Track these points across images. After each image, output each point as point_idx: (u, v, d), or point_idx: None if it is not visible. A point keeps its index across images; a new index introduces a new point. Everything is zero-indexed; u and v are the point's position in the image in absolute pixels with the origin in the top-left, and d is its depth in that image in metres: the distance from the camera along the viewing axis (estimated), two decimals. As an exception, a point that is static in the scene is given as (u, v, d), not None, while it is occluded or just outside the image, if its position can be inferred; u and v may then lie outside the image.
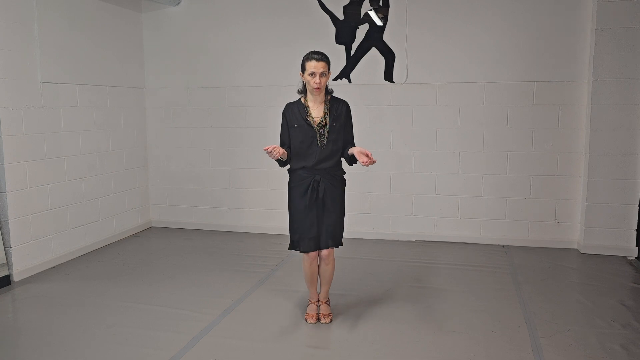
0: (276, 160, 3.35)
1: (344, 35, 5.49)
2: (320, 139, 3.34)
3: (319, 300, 3.62)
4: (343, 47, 5.51)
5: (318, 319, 3.55)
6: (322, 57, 3.28)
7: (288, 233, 3.60)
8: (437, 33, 5.28)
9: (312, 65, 3.24)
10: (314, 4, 5.51)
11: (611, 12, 4.78)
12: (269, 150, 3.17)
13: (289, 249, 3.52)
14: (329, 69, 3.31)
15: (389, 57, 5.42)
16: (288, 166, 3.47)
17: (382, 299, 3.92)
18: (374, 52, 5.46)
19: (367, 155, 3.18)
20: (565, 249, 5.18)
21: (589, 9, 4.94)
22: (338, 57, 5.46)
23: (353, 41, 5.49)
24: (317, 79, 3.24)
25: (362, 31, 5.47)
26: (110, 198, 5.54)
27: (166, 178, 6.17)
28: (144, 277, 4.44)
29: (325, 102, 3.39)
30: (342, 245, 3.51)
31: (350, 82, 5.52)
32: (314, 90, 3.28)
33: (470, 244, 5.39)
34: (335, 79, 5.48)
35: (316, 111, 3.37)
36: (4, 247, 4.30)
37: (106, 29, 5.41)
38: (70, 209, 4.98)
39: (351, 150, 3.37)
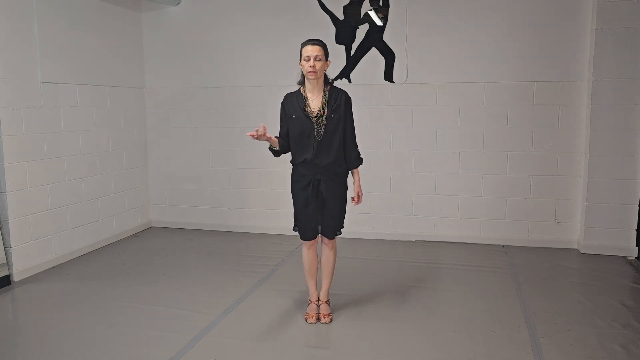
0: (270, 150, 3.46)
1: (344, 35, 5.49)
2: (317, 130, 3.33)
3: (319, 300, 3.62)
4: (343, 47, 5.51)
5: (318, 319, 3.55)
6: (317, 42, 3.31)
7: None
8: (437, 33, 5.28)
9: (307, 50, 3.27)
10: (314, 4, 5.51)
11: (611, 12, 4.77)
12: (254, 135, 3.20)
13: (293, 229, 3.59)
14: (325, 55, 3.31)
15: (389, 57, 5.42)
16: (281, 155, 3.53)
17: (382, 299, 3.92)
18: (374, 52, 5.46)
19: (358, 196, 3.46)
20: (565, 249, 5.18)
21: (589, 9, 4.94)
22: (338, 57, 5.46)
23: (353, 41, 5.49)
24: (311, 62, 3.24)
25: (362, 31, 5.47)
26: (110, 198, 5.54)
27: (166, 178, 6.17)
28: (144, 277, 4.44)
29: (324, 92, 3.38)
30: (343, 227, 3.57)
31: (350, 82, 5.52)
32: (309, 74, 3.27)
33: (470, 244, 5.39)
34: (335, 79, 5.47)
35: (314, 101, 3.36)
36: (4, 247, 4.30)
37: (106, 29, 5.41)
38: (70, 209, 4.98)
39: (354, 178, 3.53)
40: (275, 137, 3.45)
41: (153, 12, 5.95)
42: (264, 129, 3.21)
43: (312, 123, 3.33)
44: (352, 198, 3.50)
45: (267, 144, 3.49)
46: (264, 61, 5.71)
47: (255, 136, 3.20)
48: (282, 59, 5.61)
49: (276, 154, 3.51)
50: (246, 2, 5.68)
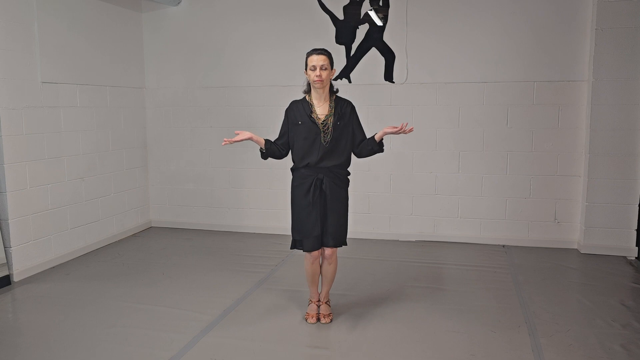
0: (260, 151, 3.48)
1: (344, 35, 5.49)
2: (324, 137, 3.35)
3: (319, 300, 3.62)
4: (343, 47, 5.51)
5: (318, 319, 3.55)
6: (322, 51, 3.33)
7: (288, 233, 3.64)
8: (437, 33, 5.28)
9: (313, 59, 3.29)
10: (314, 4, 5.51)
11: (611, 12, 4.78)
12: (231, 140, 3.34)
13: (290, 248, 3.53)
14: (331, 63, 3.34)
15: (389, 57, 5.42)
16: (269, 159, 3.55)
17: (382, 299, 3.92)
18: (374, 52, 5.46)
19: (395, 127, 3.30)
20: (565, 249, 5.18)
21: (589, 9, 4.94)
22: (338, 57, 5.45)
23: (353, 41, 5.49)
24: (317, 72, 3.27)
25: (362, 31, 5.47)
26: (110, 198, 5.54)
27: (166, 178, 6.17)
28: (144, 277, 4.44)
29: (330, 100, 3.41)
30: (345, 245, 3.53)
31: (350, 82, 5.52)
32: (315, 83, 3.30)
33: (471, 244, 5.39)
34: (335, 79, 5.48)
35: (320, 109, 3.39)
36: (4, 247, 4.30)
37: (106, 29, 5.41)
38: (70, 209, 4.98)
39: (378, 135, 3.40)
40: (266, 139, 3.45)
41: (153, 12, 5.95)
42: (238, 134, 3.38)
43: (318, 129, 3.35)
44: (399, 132, 3.30)
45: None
46: (264, 61, 5.71)
47: (231, 142, 3.34)
48: (282, 59, 5.61)
49: (263, 156, 3.50)
50: (246, 2, 5.68)
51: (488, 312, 3.68)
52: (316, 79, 3.28)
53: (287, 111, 3.47)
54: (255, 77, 5.76)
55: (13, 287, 4.25)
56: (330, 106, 3.39)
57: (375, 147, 3.45)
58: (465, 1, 5.19)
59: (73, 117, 4.98)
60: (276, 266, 4.72)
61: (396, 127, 3.31)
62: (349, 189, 3.55)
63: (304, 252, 3.49)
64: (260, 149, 3.47)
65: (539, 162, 5.21)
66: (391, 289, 4.13)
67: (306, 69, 3.35)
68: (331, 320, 3.55)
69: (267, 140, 3.45)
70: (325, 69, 3.30)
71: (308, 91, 3.45)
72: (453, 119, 5.35)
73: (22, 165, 4.41)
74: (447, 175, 5.43)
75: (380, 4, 5.38)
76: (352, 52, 5.51)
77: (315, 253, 3.45)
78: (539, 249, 5.19)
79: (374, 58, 5.46)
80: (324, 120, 3.35)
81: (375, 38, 5.44)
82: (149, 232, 6.02)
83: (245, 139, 3.38)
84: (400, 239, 5.56)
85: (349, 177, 3.51)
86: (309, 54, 3.34)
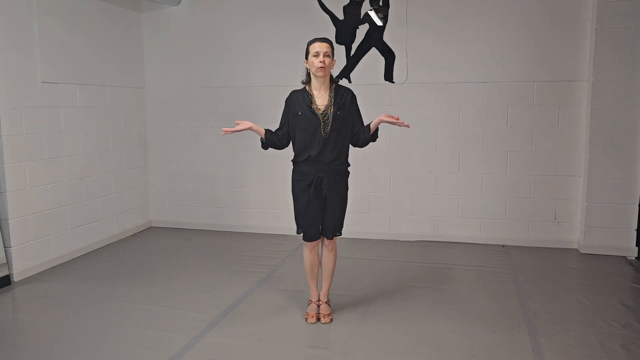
0: (260, 141, 3.49)
1: (344, 35, 5.49)
2: (324, 127, 3.34)
3: (319, 300, 3.62)
4: (343, 47, 5.51)
5: (318, 319, 3.55)
6: (325, 39, 3.35)
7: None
8: (437, 33, 5.28)
9: (316, 46, 3.30)
10: (314, 4, 5.51)
11: (611, 12, 4.77)
12: (231, 130, 3.33)
13: (296, 232, 3.56)
14: (332, 52, 3.34)
15: (389, 57, 5.42)
16: (269, 149, 3.56)
17: (382, 299, 3.92)
18: (374, 52, 5.46)
19: (392, 117, 3.27)
20: (565, 249, 5.18)
21: (589, 9, 4.94)
22: (338, 57, 5.45)
23: (353, 41, 5.49)
24: (321, 57, 3.27)
25: (362, 31, 5.47)
26: (110, 198, 5.54)
27: (166, 178, 6.17)
28: (144, 277, 4.44)
29: (330, 90, 3.41)
30: (342, 228, 3.55)
31: (350, 82, 5.52)
32: (318, 70, 3.29)
33: (470, 243, 5.39)
34: (335, 79, 5.46)
35: (320, 99, 3.38)
36: (4, 247, 4.30)
37: (106, 29, 5.41)
38: (70, 209, 4.98)
39: (374, 123, 3.41)
40: (266, 129, 3.46)
41: (153, 12, 5.95)
42: (238, 124, 3.37)
43: (318, 120, 3.34)
44: (394, 123, 3.25)
45: (267, 144, 3.52)
46: (264, 61, 5.71)
47: (231, 131, 3.34)
48: (282, 59, 5.61)
49: (263, 146, 3.53)
50: (246, 2, 5.68)
51: (488, 312, 3.68)
52: (320, 65, 3.27)
53: (287, 101, 3.47)
54: (255, 77, 5.76)
55: (13, 287, 4.24)
56: (330, 96, 3.39)
57: (369, 137, 3.46)
58: (465, 1, 5.19)
59: (73, 117, 4.98)
60: (276, 266, 4.72)
61: (393, 117, 3.28)
62: (350, 181, 3.57)
63: (304, 242, 3.55)
64: (261, 139, 3.48)
65: (539, 162, 5.21)
66: (391, 289, 4.13)
67: (307, 58, 3.35)
68: (331, 320, 3.55)
69: (267, 130, 3.47)
70: (328, 55, 3.30)
71: (307, 81, 3.44)
72: (453, 119, 5.35)
73: (22, 165, 4.41)
74: (447, 175, 5.43)
75: (380, 4, 5.38)
76: (352, 52, 5.51)
77: (314, 242, 3.53)
78: (538, 249, 5.19)
79: (374, 58, 5.46)
80: (324, 111, 3.35)
81: (375, 38, 5.44)
82: (149, 232, 6.02)
83: (245, 129, 3.38)
84: (400, 239, 5.56)
85: (349, 168, 3.53)
86: (311, 42, 3.34)
